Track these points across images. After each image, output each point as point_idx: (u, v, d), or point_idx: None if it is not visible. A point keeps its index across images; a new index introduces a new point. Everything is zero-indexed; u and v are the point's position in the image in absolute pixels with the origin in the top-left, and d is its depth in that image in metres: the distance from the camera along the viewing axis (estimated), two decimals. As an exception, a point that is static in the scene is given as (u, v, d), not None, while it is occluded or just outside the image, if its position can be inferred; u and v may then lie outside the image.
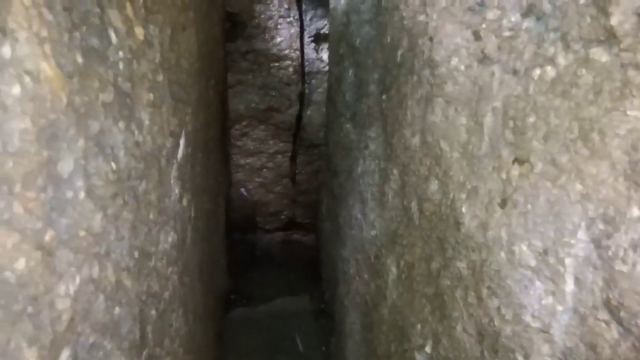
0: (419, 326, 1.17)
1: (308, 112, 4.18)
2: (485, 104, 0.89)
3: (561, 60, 0.66)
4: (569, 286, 0.61)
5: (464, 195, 0.93)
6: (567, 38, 0.65)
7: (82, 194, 0.68)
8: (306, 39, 4.24)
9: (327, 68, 3.96)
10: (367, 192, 1.70)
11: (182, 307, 1.40)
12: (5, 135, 0.49)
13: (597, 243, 0.57)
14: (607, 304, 0.55)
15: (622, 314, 0.53)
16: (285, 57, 4.19)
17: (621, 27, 0.54)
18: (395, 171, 1.37)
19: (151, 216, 1.07)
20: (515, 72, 0.79)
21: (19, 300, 0.51)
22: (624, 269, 0.52)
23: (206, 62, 2.16)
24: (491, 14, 0.89)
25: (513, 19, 0.81)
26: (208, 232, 2.08)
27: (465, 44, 0.98)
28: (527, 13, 0.77)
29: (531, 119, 0.73)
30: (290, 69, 4.19)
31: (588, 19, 0.60)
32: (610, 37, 0.56)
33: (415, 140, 1.21)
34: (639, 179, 0.50)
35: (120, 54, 0.88)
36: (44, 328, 0.57)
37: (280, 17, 4.17)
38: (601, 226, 0.56)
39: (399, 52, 1.45)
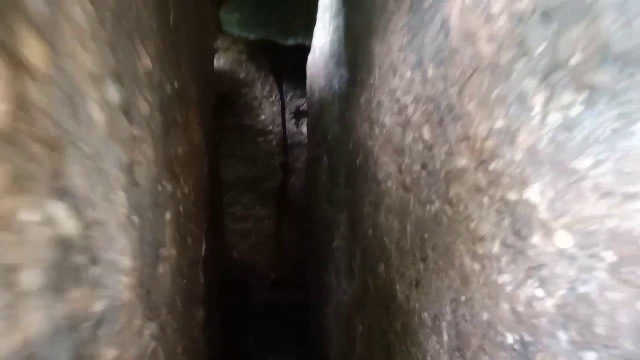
0: (378, 371, 1.59)
1: (291, 180, 4.69)
2: (407, 217, 1.37)
3: (439, 202, 1.15)
4: (444, 337, 1.06)
5: (397, 277, 1.40)
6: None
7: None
8: (287, 115, 4.82)
9: (306, 140, 4.50)
10: (340, 264, 2.16)
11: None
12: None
13: (454, 311, 1.03)
14: (457, 348, 1.00)
15: None
16: (269, 132, 4.74)
17: (455, 199, 1.03)
18: (358, 252, 1.84)
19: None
20: (420, 202, 1.28)
21: None
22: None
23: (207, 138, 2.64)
24: (407, 159, 1.39)
25: (417, 168, 1.31)
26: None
27: (394, 174, 1.48)
28: (423, 166, 1.27)
29: (427, 235, 1.21)
30: (274, 142, 4.73)
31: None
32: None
33: (370, 232, 1.69)
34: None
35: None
36: None
37: (264, 97, 4.76)
38: (455, 305, 1.02)
39: (358, 160, 1.96)
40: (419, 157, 1.29)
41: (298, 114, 4.81)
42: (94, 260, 0.65)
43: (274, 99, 4.75)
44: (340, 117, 2.42)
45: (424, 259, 1.23)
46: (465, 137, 0.94)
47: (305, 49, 3.70)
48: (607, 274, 0.57)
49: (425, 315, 1.19)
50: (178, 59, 1.53)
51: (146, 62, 0.93)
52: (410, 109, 1.30)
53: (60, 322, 0.55)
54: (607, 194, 0.55)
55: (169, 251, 1.16)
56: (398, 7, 1.37)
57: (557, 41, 0.63)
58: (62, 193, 0.57)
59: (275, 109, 4.76)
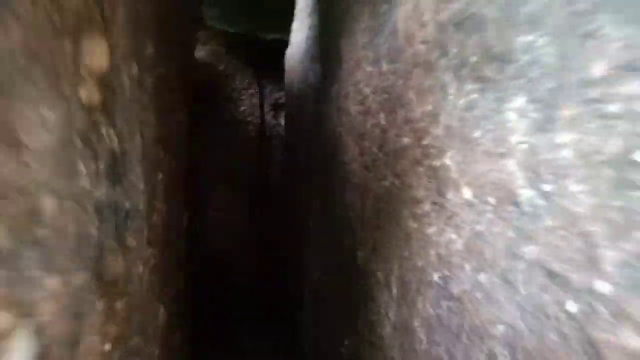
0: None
1: (269, 169, 4.86)
2: (367, 193, 1.58)
3: (389, 179, 1.36)
4: (394, 290, 1.28)
5: (360, 246, 1.61)
6: (390, 170, 1.36)
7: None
8: (266, 108, 4.99)
9: (284, 132, 4.68)
10: (315, 243, 2.37)
11: None
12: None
13: (400, 266, 1.25)
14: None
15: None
16: (248, 123, 4.90)
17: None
18: (329, 230, 2.05)
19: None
20: (377, 179, 1.50)
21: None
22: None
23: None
24: (368, 143, 1.60)
25: (375, 150, 1.52)
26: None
27: (357, 156, 1.69)
28: (380, 148, 1.48)
29: (381, 205, 1.42)
30: (253, 133, 4.89)
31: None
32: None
33: (338, 210, 1.90)
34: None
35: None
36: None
37: (243, 89, 4.91)
38: (401, 261, 1.24)
39: (329, 146, 2.16)
40: (376, 140, 1.50)
41: (276, 107, 4.98)
42: (125, 173, 0.86)
43: (253, 91, 4.91)
44: (315, 108, 2.62)
45: (379, 227, 1.44)
46: (409, 121, 1.16)
47: (284, 44, 3.87)
48: (492, 214, 0.79)
49: (379, 274, 1.41)
50: (164, 47, 1.70)
51: (150, 49, 1.11)
52: (370, 99, 1.51)
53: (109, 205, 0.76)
54: (490, 155, 0.77)
55: (161, 205, 1.34)
56: (362, 11, 1.58)
57: (464, 45, 0.85)
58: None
59: (254, 101, 4.91)
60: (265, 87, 4.96)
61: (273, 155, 4.91)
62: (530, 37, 0.67)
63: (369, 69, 1.52)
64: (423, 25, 1.01)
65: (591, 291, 0.56)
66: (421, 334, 1.11)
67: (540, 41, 0.65)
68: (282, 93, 4.97)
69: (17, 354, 0.51)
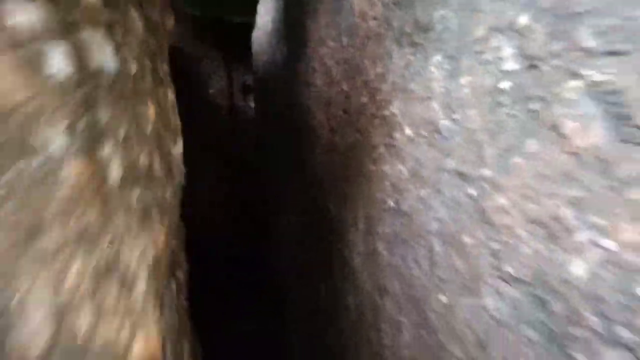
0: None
1: (240, 147, 5.07)
2: (334, 152, 1.86)
3: (352, 136, 1.64)
4: (360, 226, 1.58)
5: (331, 198, 1.90)
6: (353, 127, 1.64)
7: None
8: (235, 89, 5.16)
9: (253, 112, 4.88)
10: (292, 207, 2.64)
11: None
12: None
13: (364, 206, 1.54)
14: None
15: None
16: (217, 105, 5.07)
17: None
18: (302, 191, 2.32)
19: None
20: (343, 138, 1.78)
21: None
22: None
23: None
24: (333, 109, 1.87)
25: (340, 113, 1.80)
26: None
27: (324, 122, 1.96)
28: (345, 111, 1.76)
29: (347, 161, 1.71)
30: (223, 114, 5.07)
31: (356, 122, 1.59)
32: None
33: (309, 171, 2.17)
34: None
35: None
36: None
37: (212, 72, 5.06)
38: (365, 201, 1.53)
39: (298, 119, 2.42)
40: (341, 105, 1.78)
41: (245, 89, 5.16)
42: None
43: (222, 74, 5.06)
44: (283, 87, 2.86)
45: (347, 178, 1.73)
46: (365, 83, 1.44)
47: (251, 27, 4.05)
48: (425, 144, 1.09)
49: (349, 218, 1.70)
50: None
51: (139, 24, 1.32)
52: (334, 70, 1.78)
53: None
54: (421, 100, 1.06)
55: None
56: (323, -6, 1.83)
57: (402, 20, 1.13)
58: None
59: (223, 83, 5.08)
60: (234, 70, 5.12)
61: (245, 133, 5.11)
62: (442, 12, 0.95)
63: (331, 44, 1.78)
64: (373, 4, 1.29)
65: (481, 178, 0.86)
66: (383, 252, 1.41)
67: (449, 15, 0.94)
68: (250, 76, 5.14)
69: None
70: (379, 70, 1.29)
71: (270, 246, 3.77)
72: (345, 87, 1.68)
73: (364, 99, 1.45)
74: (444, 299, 1.04)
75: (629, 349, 0.60)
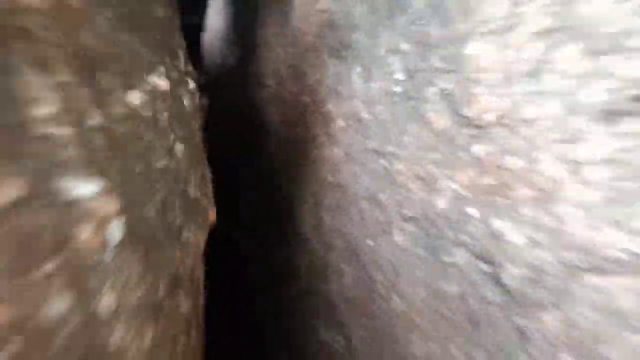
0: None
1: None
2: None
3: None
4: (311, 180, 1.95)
5: (280, 166, 2.25)
6: (300, 121, 2.00)
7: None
8: (187, 89, 5.32)
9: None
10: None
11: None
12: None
13: (314, 162, 1.91)
14: (315, 200, 1.89)
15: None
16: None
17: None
18: (255, 167, 2.66)
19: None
20: (289, 124, 2.13)
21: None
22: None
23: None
24: (284, 107, 2.22)
25: (291, 112, 2.15)
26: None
27: (277, 118, 2.31)
28: (294, 108, 2.12)
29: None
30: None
31: (302, 116, 1.96)
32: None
33: (261, 151, 2.51)
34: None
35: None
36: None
37: (164, 72, 5.18)
38: (316, 154, 1.90)
39: (251, 118, 2.74)
40: (288, 102, 2.13)
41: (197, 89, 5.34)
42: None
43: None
44: (237, 86, 3.16)
45: (296, 163, 2.09)
46: (307, 86, 1.80)
47: (199, 28, 4.27)
48: (353, 131, 1.47)
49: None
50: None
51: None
52: (283, 73, 2.13)
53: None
54: (345, 98, 1.44)
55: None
56: (271, 9, 2.17)
57: (332, 38, 1.50)
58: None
59: (175, 83, 5.23)
60: (185, 69, 5.28)
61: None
62: (356, 35, 1.33)
63: (280, 50, 2.13)
64: (310, 24, 1.65)
65: (389, 152, 1.25)
66: (327, 218, 1.79)
67: (361, 38, 1.32)
68: (203, 76, 5.32)
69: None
70: (317, 77, 1.65)
71: (232, 223, 4.07)
72: (292, 88, 2.03)
73: (307, 99, 1.82)
74: (371, 242, 1.43)
75: (467, 247, 1.01)
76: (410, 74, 1.11)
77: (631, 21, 0.63)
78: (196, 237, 1.18)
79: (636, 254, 0.64)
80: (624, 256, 0.65)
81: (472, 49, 0.92)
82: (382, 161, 1.30)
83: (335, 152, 1.62)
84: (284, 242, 2.33)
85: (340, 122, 1.53)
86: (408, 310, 1.23)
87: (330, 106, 1.58)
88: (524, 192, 0.82)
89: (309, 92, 1.78)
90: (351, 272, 1.61)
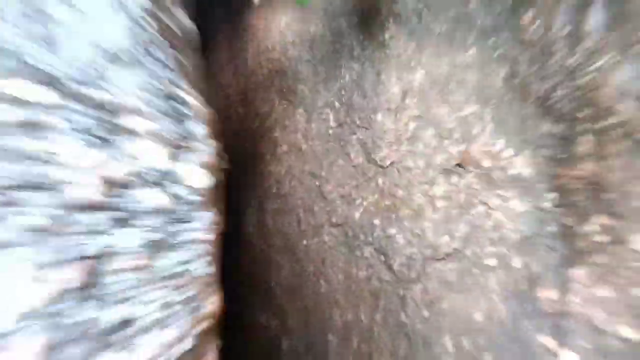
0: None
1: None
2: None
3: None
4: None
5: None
6: (247, 139, 2.40)
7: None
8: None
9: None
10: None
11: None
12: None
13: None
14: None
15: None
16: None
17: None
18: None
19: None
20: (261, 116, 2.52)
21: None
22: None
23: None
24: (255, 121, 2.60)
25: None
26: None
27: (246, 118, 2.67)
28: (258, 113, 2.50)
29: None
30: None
31: (250, 136, 2.36)
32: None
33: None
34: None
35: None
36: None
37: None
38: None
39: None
40: (239, 123, 2.50)
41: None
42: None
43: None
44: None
45: (246, 175, 2.47)
46: (256, 112, 2.20)
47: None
48: (294, 157, 1.91)
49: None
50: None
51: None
52: (232, 97, 2.50)
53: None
54: (293, 132, 1.88)
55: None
56: (225, 38, 2.53)
57: (281, 82, 1.92)
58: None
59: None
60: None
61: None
62: (300, 86, 1.78)
63: (230, 77, 2.50)
64: (261, 67, 2.06)
65: (321, 176, 1.72)
66: (270, 221, 2.21)
67: (305, 90, 1.76)
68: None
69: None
70: (266, 109, 2.07)
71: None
72: (240, 110, 2.42)
73: (255, 124, 2.22)
74: (305, 242, 1.88)
75: (372, 245, 1.50)
76: (340, 123, 1.58)
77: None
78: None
79: (457, 249, 1.16)
80: (451, 251, 1.17)
81: (380, 116, 1.41)
82: (316, 181, 1.75)
83: (279, 170, 2.04)
84: (233, 242, 2.70)
85: (284, 147, 1.96)
86: (331, 291, 1.70)
87: (277, 134, 2.01)
88: (405, 211, 1.33)
89: (259, 120, 2.19)
90: (288, 265, 2.05)
